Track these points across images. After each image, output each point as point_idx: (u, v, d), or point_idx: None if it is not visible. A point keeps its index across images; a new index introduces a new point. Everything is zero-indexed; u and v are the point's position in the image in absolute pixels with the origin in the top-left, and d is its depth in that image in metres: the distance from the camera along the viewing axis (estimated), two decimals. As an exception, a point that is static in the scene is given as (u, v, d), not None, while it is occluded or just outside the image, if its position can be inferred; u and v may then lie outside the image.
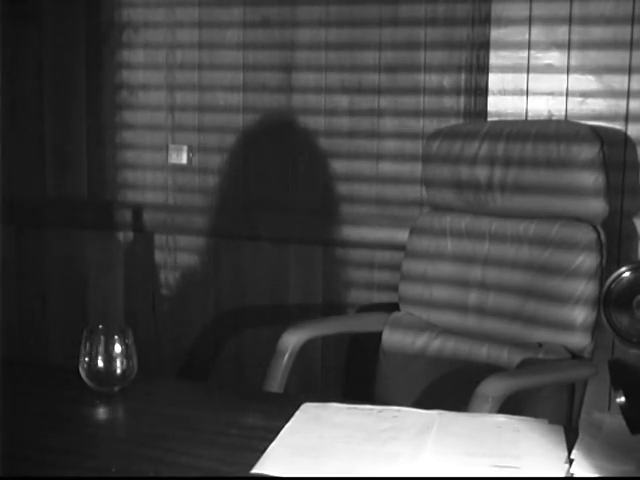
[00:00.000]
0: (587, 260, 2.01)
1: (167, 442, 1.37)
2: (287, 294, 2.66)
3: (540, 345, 2.03)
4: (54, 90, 2.84)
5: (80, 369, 1.56)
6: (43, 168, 2.89)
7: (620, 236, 2.28)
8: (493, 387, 1.77)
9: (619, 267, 1.35)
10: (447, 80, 2.41)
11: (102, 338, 1.55)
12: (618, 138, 2.25)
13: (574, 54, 2.28)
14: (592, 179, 2.02)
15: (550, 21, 2.29)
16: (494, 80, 2.36)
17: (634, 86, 2.23)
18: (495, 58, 2.35)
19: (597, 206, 2.04)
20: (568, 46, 2.28)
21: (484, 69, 2.37)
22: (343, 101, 2.53)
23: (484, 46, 2.36)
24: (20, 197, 2.90)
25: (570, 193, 2.05)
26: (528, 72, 2.33)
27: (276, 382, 2.04)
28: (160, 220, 2.76)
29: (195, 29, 2.66)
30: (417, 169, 2.41)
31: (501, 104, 2.36)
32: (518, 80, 2.34)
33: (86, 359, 1.55)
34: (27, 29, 2.83)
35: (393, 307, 2.32)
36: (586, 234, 2.02)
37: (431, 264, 2.24)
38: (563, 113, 2.31)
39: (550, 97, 2.32)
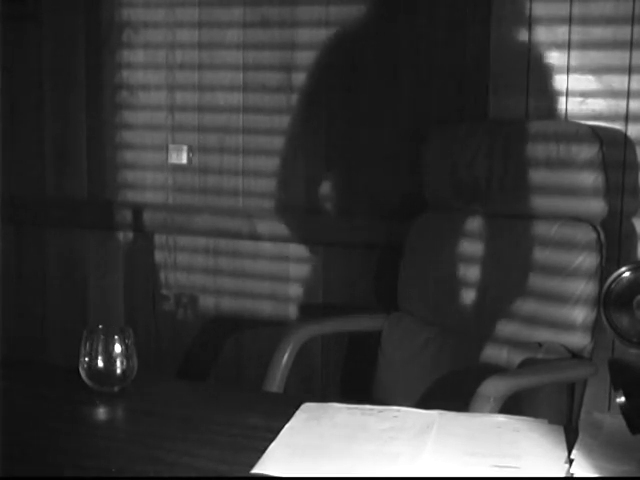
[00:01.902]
0: (587, 260, 2.01)
1: (167, 442, 1.37)
2: (287, 294, 2.66)
3: (540, 345, 2.03)
4: (54, 90, 2.84)
5: (80, 369, 1.56)
6: (43, 168, 2.89)
7: (620, 236, 2.28)
8: (495, 387, 1.77)
9: (619, 267, 1.35)
10: (447, 80, 2.41)
11: (102, 338, 1.55)
12: (618, 138, 2.25)
13: (574, 54, 2.28)
14: (591, 179, 2.03)
15: (550, 21, 2.29)
16: (495, 80, 2.36)
17: (634, 86, 2.23)
18: (495, 58, 2.35)
19: (596, 206, 2.04)
20: (568, 46, 2.28)
21: (485, 69, 2.37)
22: (343, 101, 2.53)
23: (484, 45, 2.36)
24: (20, 197, 2.90)
25: (569, 193, 2.05)
26: (528, 72, 2.33)
27: (276, 382, 2.04)
28: (160, 220, 2.76)
29: (195, 29, 2.66)
30: (416, 170, 2.41)
31: (501, 104, 2.36)
32: (518, 80, 2.34)
33: (86, 359, 1.55)
34: (27, 29, 2.83)
35: (392, 307, 2.32)
36: (586, 234, 2.02)
37: (430, 264, 2.24)
38: (563, 113, 2.31)
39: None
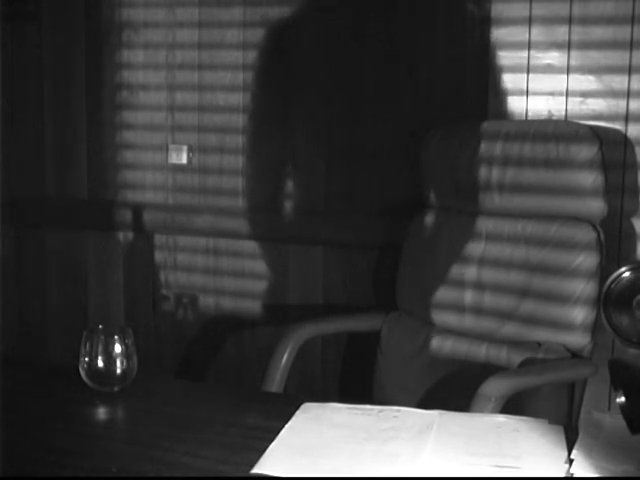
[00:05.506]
0: (587, 259, 2.01)
1: (167, 442, 1.37)
2: (287, 294, 2.66)
3: (539, 344, 2.03)
4: (54, 90, 2.84)
5: (80, 369, 1.56)
6: (43, 168, 2.89)
7: (620, 236, 2.28)
8: (496, 387, 1.77)
9: (619, 267, 1.35)
10: (447, 80, 2.41)
11: (102, 338, 1.55)
12: (618, 138, 2.25)
13: (574, 54, 2.28)
14: (591, 179, 2.03)
15: (550, 21, 2.29)
16: (494, 80, 2.36)
17: (634, 86, 2.23)
18: (495, 58, 2.35)
19: (596, 206, 2.04)
20: (568, 46, 2.28)
21: (484, 69, 2.37)
22: (342, 101, 2.53)
23: (484, 46, 2.36)
24: (20, 197, 2.90)
25: (569, 193, 2.05)
26: (528, 72, 2.33)
27: (275, 382, 2.04)
28: (160, 220, 2.76)
29: (195, 29, 2.66)
30: (416, 170, 2.41)
31: (501, 104, 2.36)
32: (518, 80, 2.34)
33: (86, 359, 1.55)
34: (27, 29, 2.83)
35: (391, 306, 2.32)
36: (586, 233, 2.02)
37: (429, 263, 2.24)
38: (563, 113, 2.31)
39: (550, 97, 2.32)
